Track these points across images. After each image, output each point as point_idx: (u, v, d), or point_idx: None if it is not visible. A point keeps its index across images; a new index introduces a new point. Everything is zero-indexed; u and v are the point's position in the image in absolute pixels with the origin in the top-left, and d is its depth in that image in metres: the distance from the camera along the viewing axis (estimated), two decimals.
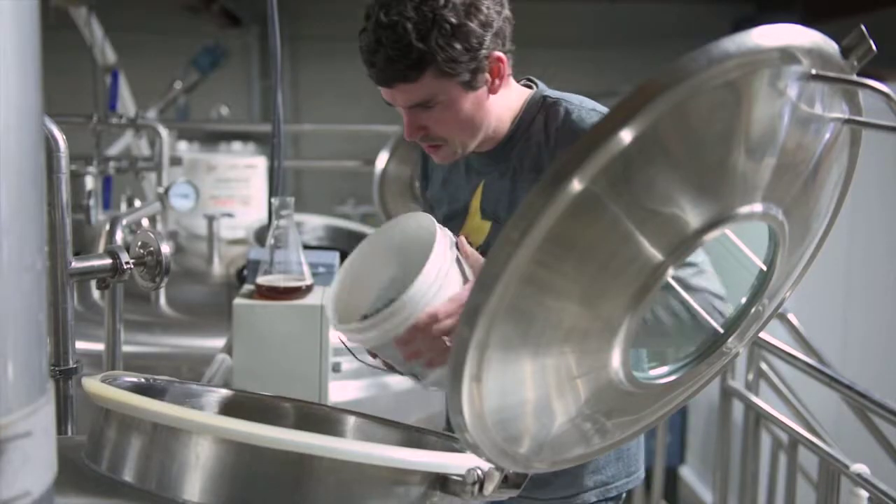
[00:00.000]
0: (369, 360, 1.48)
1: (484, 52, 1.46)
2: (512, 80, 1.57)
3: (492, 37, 1.46)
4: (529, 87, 1.62)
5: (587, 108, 1.52)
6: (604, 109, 1.53)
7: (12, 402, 0.62)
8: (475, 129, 1.53)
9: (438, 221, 1.66)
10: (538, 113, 1.55)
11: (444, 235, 1.36)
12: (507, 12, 1.50)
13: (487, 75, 1.49)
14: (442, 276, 1.30)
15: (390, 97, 1.50)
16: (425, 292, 1.29)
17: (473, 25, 1.43)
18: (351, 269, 1.46)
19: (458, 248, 1.40)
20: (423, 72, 1.44)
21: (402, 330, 1.30)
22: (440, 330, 1.30)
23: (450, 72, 1.44)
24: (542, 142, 1.53)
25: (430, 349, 1.32)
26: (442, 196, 1.69)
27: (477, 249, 1.58)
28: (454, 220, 1.63)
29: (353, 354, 1.46)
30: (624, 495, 1.64)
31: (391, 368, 1.45)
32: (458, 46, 1.43)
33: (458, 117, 1.50)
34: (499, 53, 1.48)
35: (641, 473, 1.66)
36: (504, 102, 1.55)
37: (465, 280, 1.36)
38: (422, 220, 1.44)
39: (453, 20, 1.42)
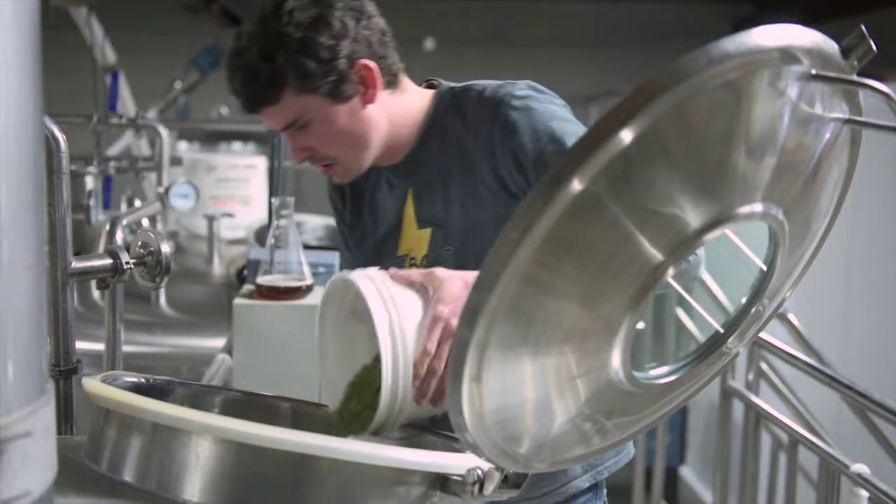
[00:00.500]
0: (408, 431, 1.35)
1: (342, 62, 1.42)
2: (409, 85, 1.55)
3: (349, 46, 1.42)
4: (434, 87, 1.58)
5: (495, 84, 1.50)
6: (514, 83, 1.50)
7: (12, 402, 0.62)
8: (359, 141, 1.49)
9: (370, 245, 1.59)
10: (449, 106, 1.53)
11: (370, 284, 1.20)
12: (372, 21, 1.47)
13: (359, 85, 1.45)
14: (396, 323, 1.17)
15: (266, 123, 1.48)
16: (396, 355, 1.17)
17: (322, 38, 1.40)
18: (327, 367, 1.31)
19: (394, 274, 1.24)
20: (280, 92, 1.42)
21: (410, 393, 1.18)
22: (441, 357, 1.17)
23: (307, 87, 1.42)
24: (461, 129, 1.50)
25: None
26: (371, 220, 1.63)
27: (421, 260, 1.53)
28: (390, 238, 1.59)
29: (395, 440, 1.32)
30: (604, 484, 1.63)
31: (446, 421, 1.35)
32: (308, 60, 1.40)
33: (335, 131, 1.46)
34: (366, 62, 1.44)
35: (631, 450, 1.64)
36: (399, 109, 1.52)
37: (420, 295, 1.22)
38: (341, 281, 1.25)
39: (297, 35, 1.39)
